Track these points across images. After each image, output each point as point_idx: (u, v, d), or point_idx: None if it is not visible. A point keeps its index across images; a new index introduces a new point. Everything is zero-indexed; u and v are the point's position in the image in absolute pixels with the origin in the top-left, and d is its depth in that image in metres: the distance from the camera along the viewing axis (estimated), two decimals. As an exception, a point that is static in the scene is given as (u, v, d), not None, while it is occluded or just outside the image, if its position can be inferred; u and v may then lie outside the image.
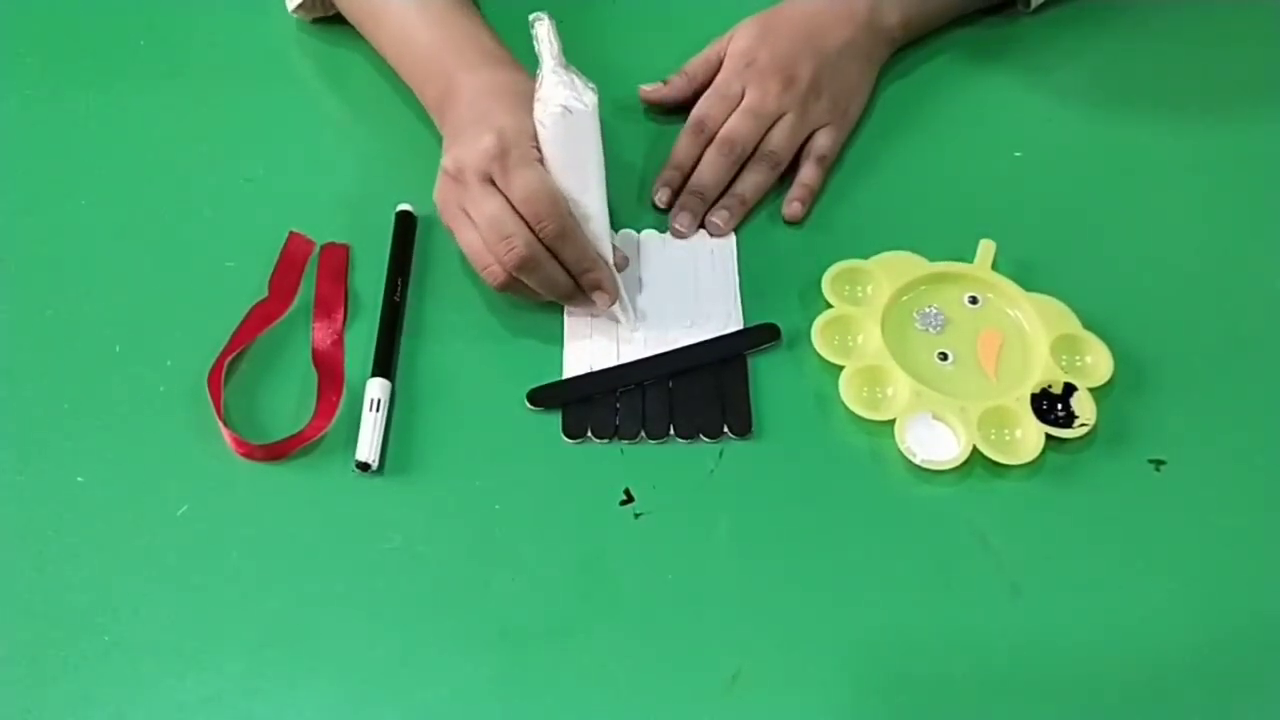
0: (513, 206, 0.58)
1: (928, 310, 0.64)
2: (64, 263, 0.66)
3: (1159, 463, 0.58)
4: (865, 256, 0.65)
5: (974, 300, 0.64)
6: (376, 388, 0.60)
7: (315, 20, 0.78)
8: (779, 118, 0.69)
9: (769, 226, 0.69)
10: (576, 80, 0.58)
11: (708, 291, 0.65)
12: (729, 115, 0.69)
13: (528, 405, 0.60)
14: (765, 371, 0.62)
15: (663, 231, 0.68)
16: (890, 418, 0.59)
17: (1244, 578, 0.55)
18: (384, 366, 0.61)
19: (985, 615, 0.53)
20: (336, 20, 0.77)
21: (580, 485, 0.57)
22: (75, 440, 0.59)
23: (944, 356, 0.62)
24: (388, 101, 0.74)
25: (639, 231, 0.68)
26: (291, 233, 0.67)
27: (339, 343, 0.63)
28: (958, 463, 0.57)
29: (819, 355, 0.61)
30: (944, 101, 0.75)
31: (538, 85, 0.58)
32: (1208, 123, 0.73)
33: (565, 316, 0.64)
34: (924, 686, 0.52)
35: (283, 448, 0.58)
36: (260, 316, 0.63)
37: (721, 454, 0.59)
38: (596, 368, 0.61)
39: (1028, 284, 0.64)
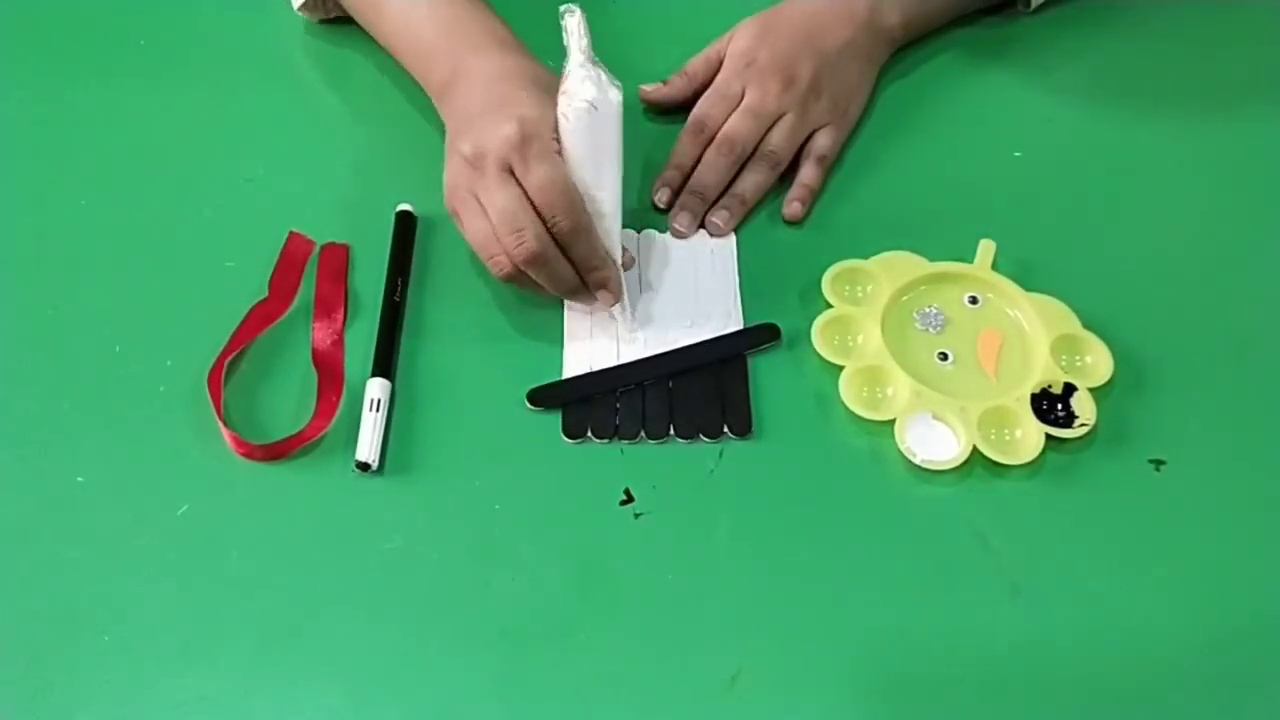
0: (528, 199, 0.58)
1: (928, 310, 0.64)
2: (64, 262, 0.66)
3: (1159, 463, 0.58)
4: (865, 256, 0.65)
5: (974, 300, 0.64)
6: (376, 388, 0.60)
7: (319, 21, 0.78)
8: (779, 118, 0.69)
9: (769, 226, 0.69)
10: (603, 76, 0.58)
11: (708, 291, 0.65)
12: (729, 115, 0.69)
13: (528, 405, 0.60)
14: (765, 371, 0.62)
15: (663, 231, 0.68)
16: (890, 418, 0.59)
17: (1244, 578, 0.55)
18: (384, 366, 0.61)
19: (985, 615, 0.53)
20: (339, 21, 0.77)
21: (580, 485, 0.57)
22: (75, 440, 0.59)
23: (944, 356, 0.62)
24: (388, 101, 0.74)
25: (639, 231, 0.68)
26: (291, 233, 0.67)
27: (339, 343, 0.63)
28: (958, 463, 0.57)
29: (819, 355, 0.61)
30: (944, 101, 0.75)
31: (564, 78, 0.58)
32: (1208, 123, 0.73)
33: (565, 316, 0.64)
34: (924, 686, 0.52)
35: (283, 448, 0.58)
36: (260, 316, 0.63)
37: (721, 454, 0.59)
38: (596, 368, 0.61)
39: (1028, 284, 0.64)
